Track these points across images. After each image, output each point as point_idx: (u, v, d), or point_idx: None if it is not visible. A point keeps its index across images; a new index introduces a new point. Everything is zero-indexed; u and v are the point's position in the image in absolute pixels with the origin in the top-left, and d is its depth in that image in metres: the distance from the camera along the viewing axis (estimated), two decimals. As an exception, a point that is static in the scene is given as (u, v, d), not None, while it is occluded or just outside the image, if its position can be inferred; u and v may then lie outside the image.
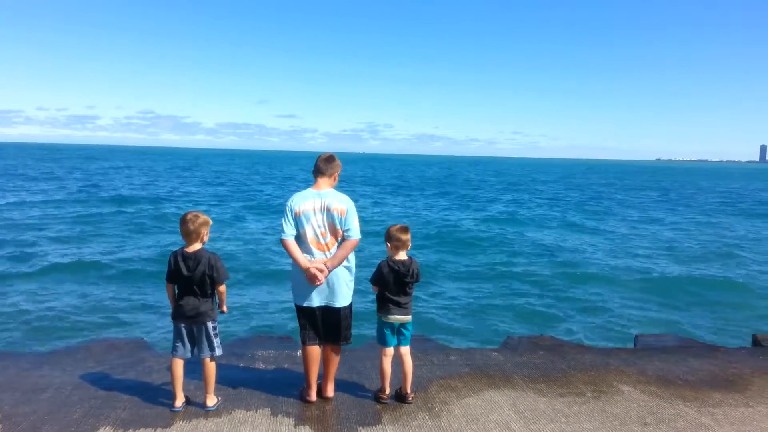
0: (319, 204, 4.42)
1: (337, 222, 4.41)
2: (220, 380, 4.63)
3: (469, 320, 10.97)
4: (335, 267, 4.41)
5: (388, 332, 4.62)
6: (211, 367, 4.44)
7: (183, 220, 4.35)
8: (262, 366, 5.47)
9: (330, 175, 4.59)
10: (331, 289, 4.48)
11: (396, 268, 4.54)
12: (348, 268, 4.56)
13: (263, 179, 64.99)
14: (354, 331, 4.78)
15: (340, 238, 4.45)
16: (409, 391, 4.65)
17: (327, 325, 4.58)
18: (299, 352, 5.17)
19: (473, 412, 4.47)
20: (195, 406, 4.47)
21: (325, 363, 4.66)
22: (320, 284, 4.41)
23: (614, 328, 10.69)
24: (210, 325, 4.41)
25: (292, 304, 4.69)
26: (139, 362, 5.47)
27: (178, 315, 4.38)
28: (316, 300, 4.49)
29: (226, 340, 5.29)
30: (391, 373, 4.66)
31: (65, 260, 15.33)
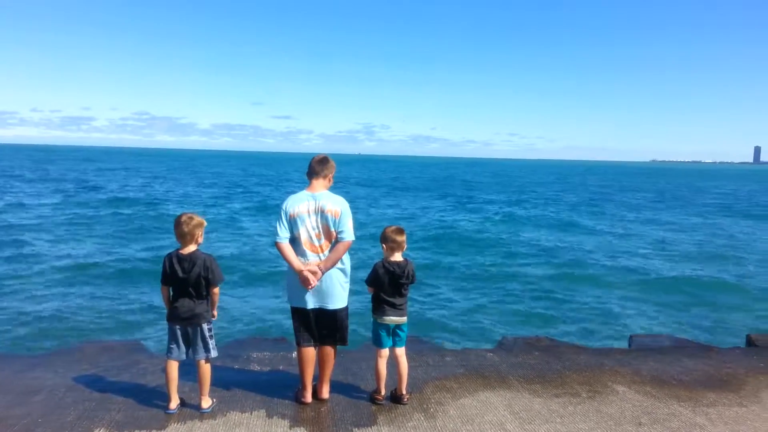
0: (314, 206, 4.42)
1: (331, 224, 4.41)
2: (215, 382, 4.61)
3: (464, 321, 10.97)
4: (329, 269, 4.41)
5: (383, 333, 4.62)
6: (206, 369, 4.43)
7: (177, 222, 4.34)
8: (257, 368, 5.46)
9: (324, 177, 4.58)
10: (326, 291, 4.48)
11: (391, 269, 4.55)
12: (342, 270, 4.55)
13: (259, 180, 64.91)
14: (349, 333, 4.78)
15: (333, 240, 4.45)
16: (404, 392, 4.65)
17: (321, 327, 4.58)
18: (294, 354, 5.16)
19: (468, 413, 4.47)
20: (190, 407, 4.46)
21: (320, 364, 4.66)
22: (314, 285, 4.41)
23: (609, 329, 10.72)
24: (205, 326, 4.40)
25: (287, 306, 4.69)
26: (134, 364, 5.45)
27: (173, 317, 4.37)
28: (310, 302, 4.49)
29: (221, 342, 5.28)
30: (387, 375, 4.65)
31: (59, 262, 15.27)
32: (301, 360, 4.59)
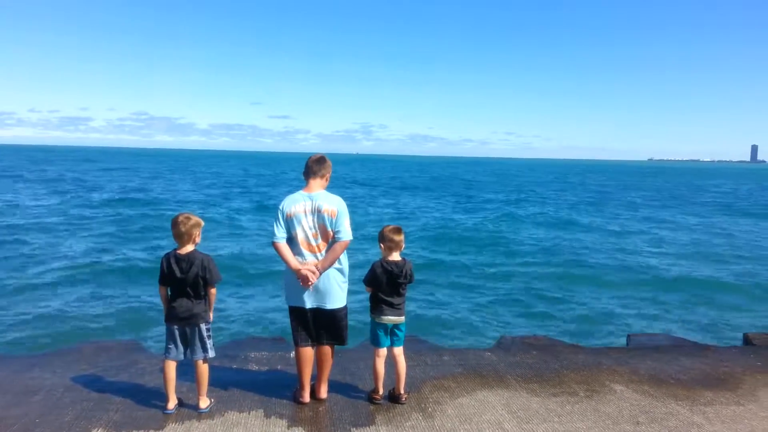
0: (310, 206, 4.43)
1: (327, 223, 4.41)
2: (212, 382, 4.61)
3: (462, 320, 10.98)
4: (326, 268, 4.41)
5: (381, 333, 4.63)
6: (203, 369, 4.43)
7: (175, 222, 4.34)
8: (255, 367, 5.46)
9: (322, 176, 4.59)
10: (324, 291, 4.48)
11: (389, 268, 4.55)
12: (340, 270, 4.55)
13: (258, 180, 64.86)
14: (347, 332, 4.78)
15: (331, 240, 4.45)
16: (402, 391, 4.66)
17: (319, 327, 4.58)
18: (292, 354, 5.16)
19: (466, 412, 4.48)
20: (188, 408, 4.45)
21: (318, 364, 4.66)
22: (311, 285, 4.41)
23: (607, 328, 10.74)
24: (203, 326, 4.40)
25: (285, 306, 4.69)
26: (132, 364, 5.45)
27: (171, 317, 4.37)
28: (308, 301, 4.49)
29: (218, 342, 5.29)
30: (385, 374, 4.66)
31: (58, 262, 15.26)
32: (298, 360, 4.59)
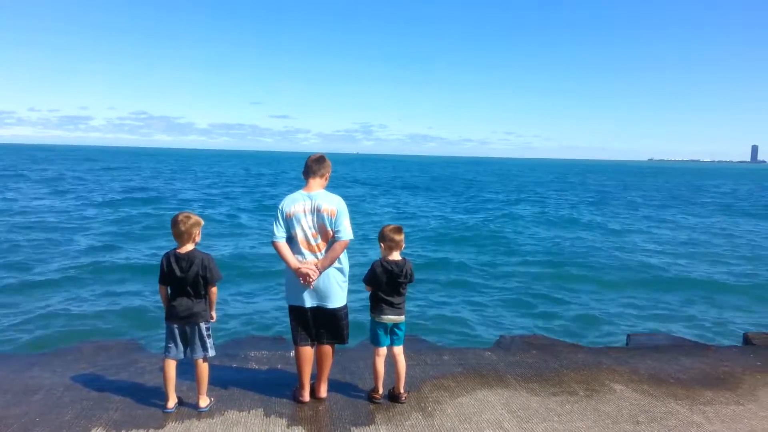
0: (310, 205, 4.43)
1: (327, 223, 4.41)
2: (212, 381, 4.62)
3: (462, 320, 10.97)
4: (326, 268, 4.42)
5: (381, 332, 4.63)
6: (203, 368, 4.43)
7: (174, 221, 4.34)
8: (255, 366, 5.46)
9: (321, 176, 4.59)
10: (324, 290, 4.48)
11: (389, 268, 4.55)
12: (340, 269, 4.55)
13: (259, 179, 64.86)
14: (348, 332, 4.78)
15: (330, 239, 4.45)
16: (402, 390, 4.66)
17: (319, 326, 4.59)
18: (292, 353, 5.16)
19: (466, 412, 4.48)
20: (187, 407, 4.46)
21: (318, 363, 4.66)
22: (311, 284, 4.41)
23: (607, 328, 10.73)
24: (203, 325, 4.40)
25: (286, 305, 4.69)
26: (132, 363, 5.45)
27: (171, 316, 4.37)
28: (308, 301, 4.50)
29: (218, 341, 5.28)
30: (384, 373, 4.66)
31: (56, 261, 15.25)
32: (298, 359, 4.60)
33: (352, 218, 4.61)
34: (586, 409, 4.59)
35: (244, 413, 4.39)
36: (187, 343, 4.41)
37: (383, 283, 4.57)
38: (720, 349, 6.33)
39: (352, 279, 4.72)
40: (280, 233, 4.43)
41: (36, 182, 45.97)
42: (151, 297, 11.59)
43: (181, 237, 4.31)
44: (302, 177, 4.65)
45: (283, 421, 4.27)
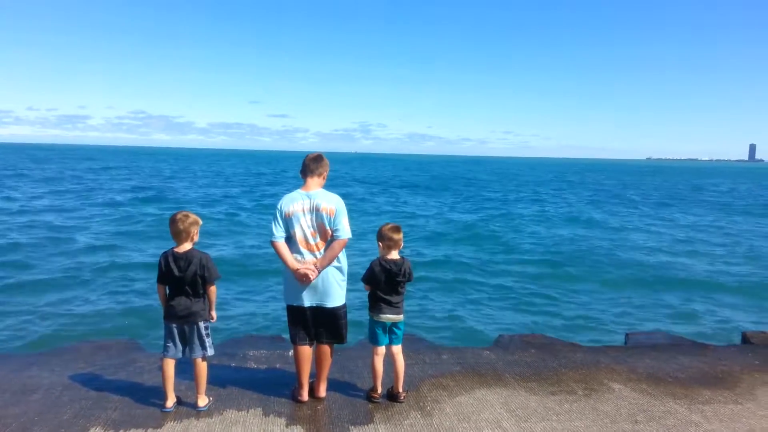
0: (308, 205, 4.43)
1: (326, 222, 4.41)
2: (211, 380, 4.61)
3: (460, 319, 10.98)
4: (325, 267, 4.42)
5: (379, 331, 4.63)
6: (202, 367, 4.42)
7: (173, 220, 4.33)
8: (253, 366, 5.46)
9: (319, 175, 4.59)
10: (323, 289, 4.48)
11: (388, 267, 4.55)
12: (339, 268, 4.55)
13: (258, 178, 64.81)
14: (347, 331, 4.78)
15: (329, 238, 4.45)
16: (400, 390, 4.66)
17: (318, 325, 4.58)
18: (291, 352, 5.16)
19: (465, 411, 4.48)
20: (186, 406, 4.46)
21: (317, 363, 4.65)
22: (310, 282, 4.41)
23: (605, 327, 10.74)
24: (202, 324, 4.39)
25: (284, 304, 4.69)
26: (130, 363, 5.45)
27: (169, 315, 4.37)
28: (307, 300, 4.49)
29: (217, 340, 5.28)
30: (383, 373, 4.66)
31: (55, 260, 15.23)
32: (297, 358, 4.60)
33: (350, 217, 4.60)
34: (584, 408, 4.59)
35: (243, 412, 4.38)
36: (186, 342, 4.40)
37: (382, 282, 4.57)
38: (718, 348, 6.33)
39: (350, 278, 4.72)
40: (279, 233, 4.43)
41: (35, 181, 45.92)
42: (149, 296, 11.58)
43: (179, 236, 4.31)
44: (300, 176, 4.65)
45: (282, 421, 4.27)
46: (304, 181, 4.57)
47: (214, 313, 4.51)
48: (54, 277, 13.44)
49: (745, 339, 6.65)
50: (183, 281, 4.29)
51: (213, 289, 4.44)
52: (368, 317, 4.71)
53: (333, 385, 4.85)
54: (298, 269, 4.37)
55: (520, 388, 4.99)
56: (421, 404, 4.60)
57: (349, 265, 4.68)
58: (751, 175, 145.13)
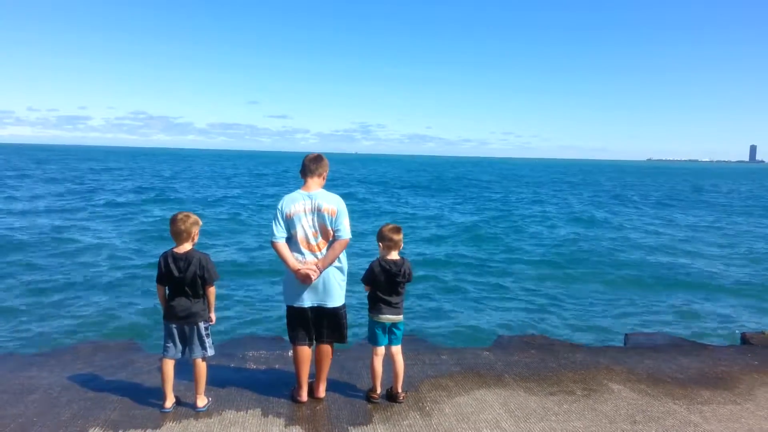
0: (309, 205, 4.43)
1: (327, 222, 4.42)
2: (210, 380, 4.61)
3: (460, 319, 10.98)
4: (326, 267, 4.42)
5: (379, 332, 4.63)
6: (201, 368, 4.43)
7: (173, 220, 4.33)
8: (253, 366, 5.46)
9: (319, 175, 4.59)
10: (324, 290, 4.48)
11: (387, 267, 4.55)
12: (340, 269, 4.56)
13: (259, 179, 64.83)
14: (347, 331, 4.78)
15: (330, 239, 4.45)
16: (400, 390, 4.66)
17: (319, 326, 4.58)
18: (290, 353, 5.16)
19: (464, 411, 4.48)
20: (185, 406, 4.45)
21: (317, 363, 4.65)
22: (311, 283, 4.41)
23: (604, 327, 10.74)
24: (202, 325, 4.39)
25: (284, 305, 4.68)
26: (129, 363, 5.45)
27: (169, 315, 4.37)
28: (307, 300, 4.49)
29: (217, 341, 5.27)
30: (383, 373, 4.66)
31: (55, 260, 15.24)
32: (296, 359, 4.59)
33: (351, 218, 4.61)
34: (583, 408, 4.59)
35: (242, 413, 4.38)
36: (186, 342, 4.40)
37: (381, 283, 4.57)
38: (717, 349, 6.33)
39: (350, 278, 4.72)
40: (279, 233, 4.43)
41: (36, 182, 45.94)
42: (149, 297, 11.58)
43: (179, 236, 4.31)
44: (300, 177, 4.65)
45: (281, 421, 4.27)
46: (304, 182, 4.57)
47: (213, 315, 4.50)
48: (54, 277, 13.44)
49: (745, 340, 6.65)
50: (183, 282, 4.29)
51: (212, 291, 4.43)
52: (368, 317, 4.71)
53: (332, 386, 4.84)
54: (299, 270, 4.37)
55: (519, 388, 4.99)
56: (421, 405, 4.60)
57: (349, 265, 4.69)
58: (751, 176, 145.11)
